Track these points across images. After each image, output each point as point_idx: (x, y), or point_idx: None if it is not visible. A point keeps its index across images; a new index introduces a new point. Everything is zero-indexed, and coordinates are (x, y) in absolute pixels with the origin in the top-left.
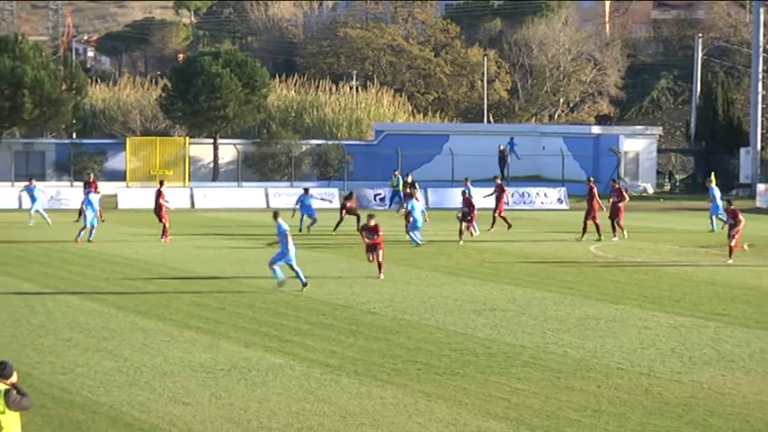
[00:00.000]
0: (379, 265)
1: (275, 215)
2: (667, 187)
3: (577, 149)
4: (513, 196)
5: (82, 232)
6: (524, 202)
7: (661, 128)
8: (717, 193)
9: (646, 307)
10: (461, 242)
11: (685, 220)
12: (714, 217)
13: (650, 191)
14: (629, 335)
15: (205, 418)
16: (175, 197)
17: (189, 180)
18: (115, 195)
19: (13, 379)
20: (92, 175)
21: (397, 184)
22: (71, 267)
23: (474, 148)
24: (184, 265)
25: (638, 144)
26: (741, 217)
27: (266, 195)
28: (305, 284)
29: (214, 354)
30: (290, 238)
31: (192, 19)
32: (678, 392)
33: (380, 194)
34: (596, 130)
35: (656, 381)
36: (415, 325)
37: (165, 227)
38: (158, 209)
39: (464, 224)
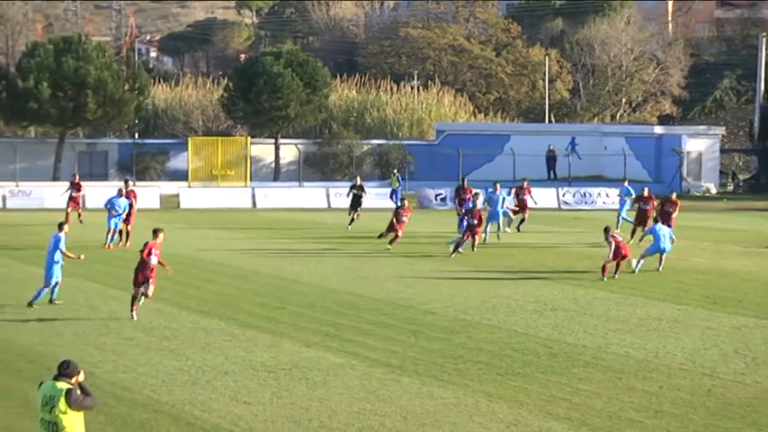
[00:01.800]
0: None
1: (59, 226)
2: (730, 187)
3: (639, 149)
4: (573, 196)
5: (109, 237)
6: (585, 203)
7: (724, 128)
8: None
9: (708, 307)
10: (455, 253)
11: (748, 221)
12: (621, 216)
13: (713, 191)
14: (692, 335)
15: (266, 418)
16: (237, 197)
17: (250, 180)
18: (177, 195)
19: (80, 378)
20: (77, 176)
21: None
22: (132, 266)
23: (535, 148)
24: (246, 264)
25: (700, 144)
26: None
27: (327, 195)
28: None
29: (275, 353)
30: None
31: (254, 19)
32: (741, 393)
33: (441, 194)
34: (659, 129)
35: (719, 381)
36: (475, 325)
37: (128, 232)
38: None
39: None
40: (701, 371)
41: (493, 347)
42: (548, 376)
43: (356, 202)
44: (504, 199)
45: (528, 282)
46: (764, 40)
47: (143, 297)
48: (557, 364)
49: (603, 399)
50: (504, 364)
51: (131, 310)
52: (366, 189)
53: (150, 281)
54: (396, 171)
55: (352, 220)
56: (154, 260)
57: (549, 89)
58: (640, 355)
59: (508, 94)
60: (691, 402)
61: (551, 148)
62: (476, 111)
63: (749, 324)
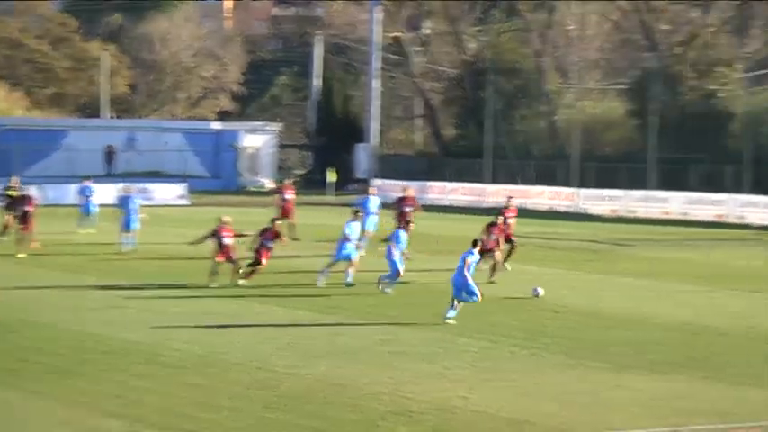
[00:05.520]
0: None
1: None
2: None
3: (198, 145)
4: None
5: None
6: (145, 198)
7: (281, 124)
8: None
9: (265, 302)
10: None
11: (305, 215)
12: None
13: (270, 186)
14: (248, 329)
15: None
16: None
17: None
18: None
19: None
20: None
21: None
22: None
23: (94, 144)
24: None
25: (258, 140)
26: None
27: None
28: None
29: None
30: None
31: None
32: (295, 385)
33: None
34: (217, 125)
35: (274, 374)
36: (30, 324)
37: None
38: None
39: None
40: (256, 364)
41: (48, 346)
42: (103, 374)
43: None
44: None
45: (85, 279)
46: (319, 37)
47: None
48: (113, 361)
49: (160, 395)
50: (59, 363)
51: None
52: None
53: None
54: None
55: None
56: None
57: (107, 84)
58: (199, 350)
59: (65, 89)
60: (246, 396)
61: (110, 144)
62: (32, 105)
63: (304, 318)
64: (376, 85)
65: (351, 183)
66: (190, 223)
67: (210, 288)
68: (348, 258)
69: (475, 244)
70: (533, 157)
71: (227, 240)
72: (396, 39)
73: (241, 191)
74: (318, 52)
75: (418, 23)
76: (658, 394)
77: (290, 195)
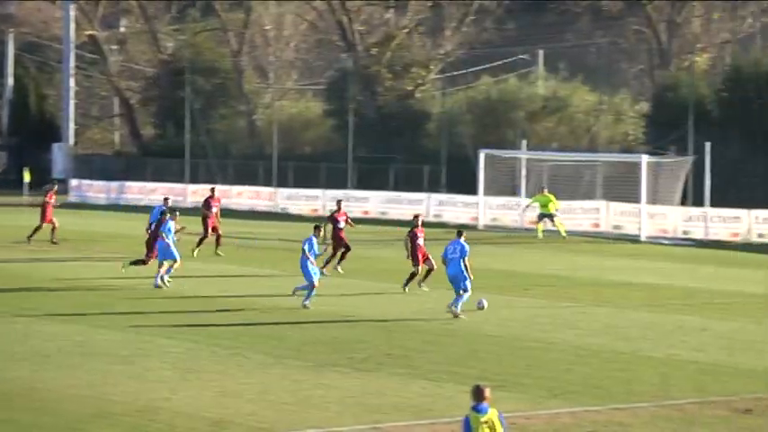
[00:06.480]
0: None
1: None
2: None
3: None
4: None
5: None
6: None
7: None
8: None
9: None
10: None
11: (6, 217)
12: None
13: None
14: None
15: None
16: None
17: None
18: None
19: None
20: None
21: None
22: None
23: None
24: None
25: None
26: None
27: None
28: None
29: None
30: None
31: None
32: None
33: None
34: None
35: None
36: None
37: None
38: None
39: None
40: None
41: None
42: None
43: None
44: None
45: None
46: (12, 35)
47: None
48: None
49: None
50: None
51: None
52: None
53: None
54: None
55: None
56: None
57: None
58: None
59: None
60: None
61: None
62: None
63: None
64: (71, 83)
65: (47, 183)
66: None
67: None
68: (173, 258)
69: (459, 234)
70: (233, 157)
71: None
72: (91, 37)
73: None
74: (11, 50)
75: (114, 22)
76: (359, 392)
77: (50, 199)
